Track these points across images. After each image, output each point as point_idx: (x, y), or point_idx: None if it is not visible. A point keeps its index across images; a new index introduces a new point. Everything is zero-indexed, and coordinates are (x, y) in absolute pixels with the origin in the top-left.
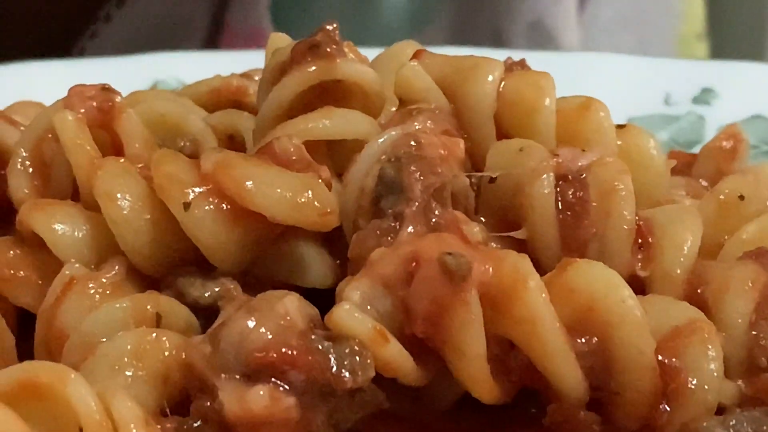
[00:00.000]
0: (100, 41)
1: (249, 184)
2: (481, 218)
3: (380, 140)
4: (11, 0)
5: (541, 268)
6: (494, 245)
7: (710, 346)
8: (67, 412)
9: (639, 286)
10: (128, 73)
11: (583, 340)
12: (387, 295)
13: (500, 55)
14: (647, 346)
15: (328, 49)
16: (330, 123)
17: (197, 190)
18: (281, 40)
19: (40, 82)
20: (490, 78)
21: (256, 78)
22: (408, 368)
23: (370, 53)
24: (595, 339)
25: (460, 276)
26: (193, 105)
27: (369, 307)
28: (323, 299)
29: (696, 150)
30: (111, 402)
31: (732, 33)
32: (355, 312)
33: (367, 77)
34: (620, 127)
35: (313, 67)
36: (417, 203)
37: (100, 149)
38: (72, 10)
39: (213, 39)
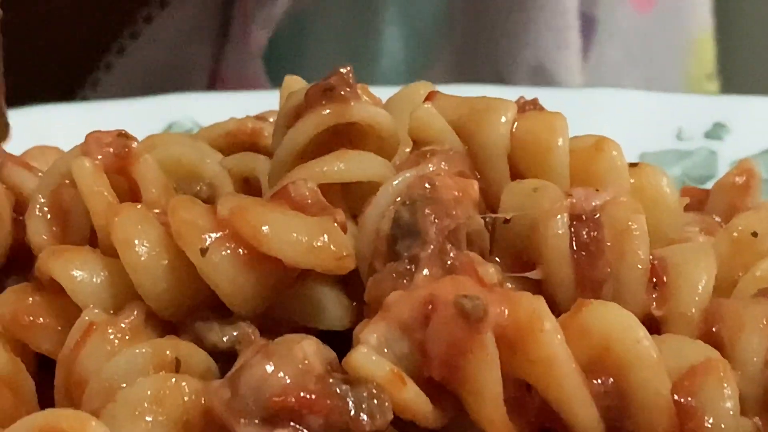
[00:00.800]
0: (102, 90)
1: (265, 228)
2: (496, 258)
3: (395, 182)
4: (13, 48)
5: (556, 308)
6: (509, 285)
7: (726, 385)
8: None
9: (654, 326)
10: (144, 115)
11: (600, 381)
12: (404, 338)
13: (512, 93)
14: (663, 386)
15: (342, 92)
16: (345, 166)
17: (214, 235)
18: (295, 83)
19: (57, 126)
20: (504, 119)
21: (271, 120)
22: (426, 411)
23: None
24: (612, 380)
25: (476, 318)
26: (209, 148)
27: (386, 350)
28: (340, 341)
29: (709, 185)
30: None
31: (743, 71)
32: (373, 355)
33: (382, 119)
34: (633, 165)
35: (328, 111)
36: (432, 246)
37: (117, 195)
38: (73, 58)
39: (212, 88)
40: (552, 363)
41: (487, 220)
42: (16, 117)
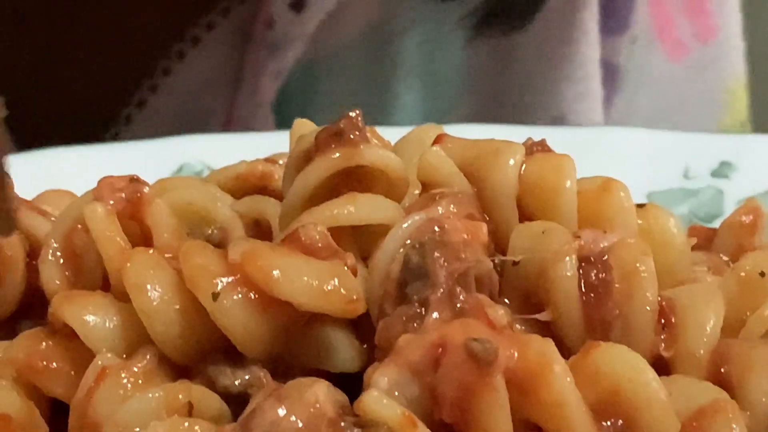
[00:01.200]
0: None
1: (276, 273)
2: (506, 300)
3: (404, 225)
4: (35, 101)
5: (565, 349)
6: (519, 327)
7: (735, 426)
8: None
9: (663, 366)
10: (154, 157)
11: (609, 422)
12: (414, 381)
13: (520, 132)
14: (673, 428)
15: (352, 136)
16: (354, 209)
17: (225, 280)
18: (305, 127)
19: (69, 169)
20: (512, 162)
21: (281, 162)
22: None
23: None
24: (621, 421)
25: (487, 361)
26: (220, 192)
27: (397, 394)
28: (350, 383)
29: (716, 224)
30: None
31: None
32: (384, 398)
33: (391, 163)
34: (640, 206)
35: (337, 154)
36: (442, 289)
37: (129, 239)
38: (93, 111)
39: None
40: (562, 406)
41: (496, 261)
42: (29, 160)
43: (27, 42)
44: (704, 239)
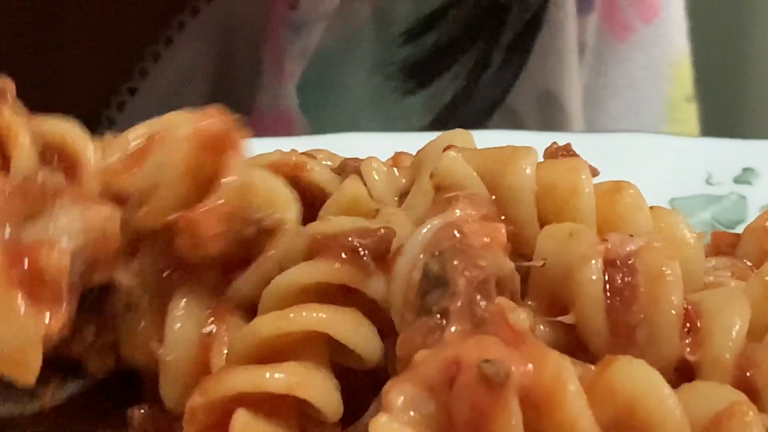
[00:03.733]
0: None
1: None
2: (530, 302)
3: (424, 231)
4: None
5: (590, 352)
6: (543, 328)
7: (752, 429)
8: None
9: (688, 371)
10: None
11: None
12: (430, 399)
13: (543, 138)
14: None
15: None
16: None
17: None
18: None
19: None
20: (527, 163)
21: (320, 157)
22: None
23: (401, 138)
24: None
25: (499, 383)
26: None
27: (412, 413)
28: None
29: (739, 229)
30: None
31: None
32: (395, 423)
33: None
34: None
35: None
36: (462, 298)
37: None
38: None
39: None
40: (574, 427)
41: (521, 263)
42: None
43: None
44: (727, 245)
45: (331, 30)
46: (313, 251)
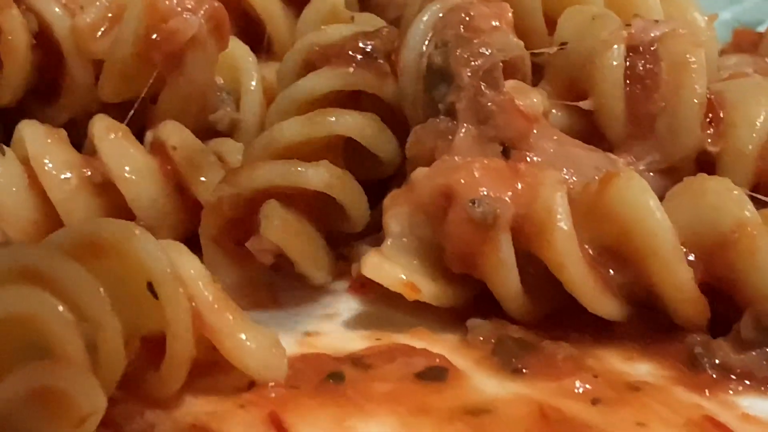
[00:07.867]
0: None
1: None
2: (546, 87)
3: (424, 18)
4: None
5: (606, 141)
6: (557, 113)
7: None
8: (134, 270)
9: (709, 163)
10: None
11: (612, 272)
12: (427, 223)
13: None
14: (682, 272)
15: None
16: None
17: None
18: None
19: None
20: None
21: None
22: (445, 303)
23: None
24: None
25: (485, 225)
26: None
27: (405, 240)
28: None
29: (761, 29)
30: (177, 258)
31: None
32: (386, 263)
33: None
34: None
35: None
36: (467, 91)
37: None
38: None
39: None
40: (563, 266)
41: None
42: None
43: None
44: (749, 43)
45: None
46: (313, 62)
